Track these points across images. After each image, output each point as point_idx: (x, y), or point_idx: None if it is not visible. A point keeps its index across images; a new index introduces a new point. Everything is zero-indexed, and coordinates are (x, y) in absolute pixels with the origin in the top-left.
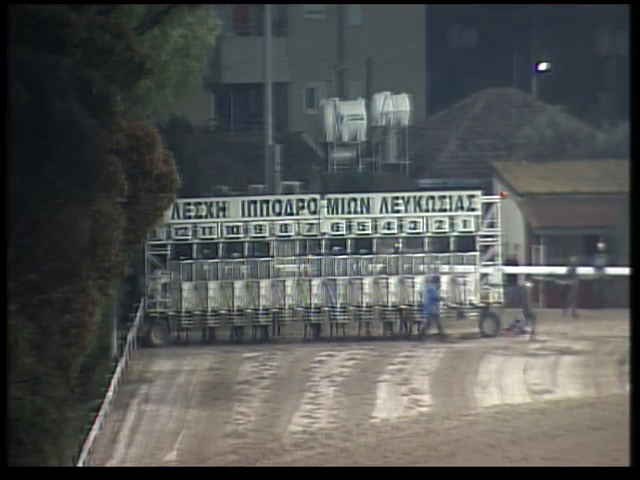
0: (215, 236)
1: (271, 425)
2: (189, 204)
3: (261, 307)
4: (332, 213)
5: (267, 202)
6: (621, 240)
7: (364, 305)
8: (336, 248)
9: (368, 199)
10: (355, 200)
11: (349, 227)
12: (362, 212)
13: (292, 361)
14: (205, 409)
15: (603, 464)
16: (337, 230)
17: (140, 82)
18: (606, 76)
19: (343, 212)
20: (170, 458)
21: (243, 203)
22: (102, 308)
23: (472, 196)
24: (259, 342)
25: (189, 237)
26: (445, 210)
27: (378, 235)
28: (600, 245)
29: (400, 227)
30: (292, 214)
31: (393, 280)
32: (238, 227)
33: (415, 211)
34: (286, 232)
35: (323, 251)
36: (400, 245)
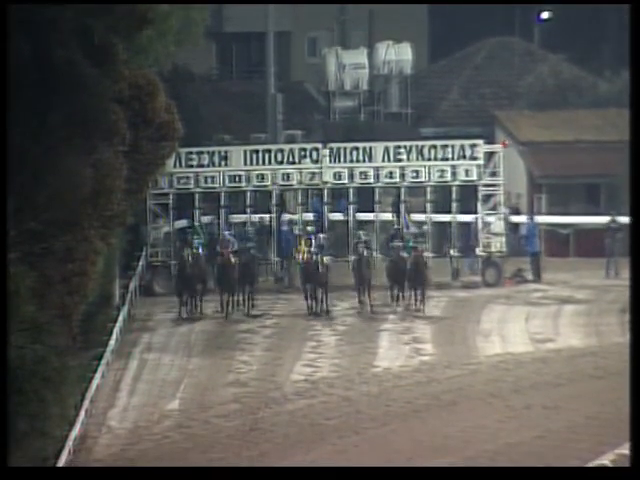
0: (217, 185)
1: (273, 374)
2: (191, 153)
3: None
4: (334, 162)
5: (269, 151)
6: (622, 189)
7: None
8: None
9: (370, 148)
10: (357, 149)
11: (351, 176)
12: (364, 161)
13: (294, 310)
14: (207, 358)
15: (604, 412)
16: (339, 179)
17: (142, 32)
18: (608, 25)
19: (345, 161)
20: (172, 407)
21: (245, 152)
22: (104, 257)
23: (474, 145)
24: (261, 291)
25: (191, 186)
26: (447, 159)
27: (380, 184)
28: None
29: (402, 176)
30: (294, 163)
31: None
32: (240, 176)
33: (417, 160)
34: (288, 181)
35: (325, 200)
36: (404, 197)
